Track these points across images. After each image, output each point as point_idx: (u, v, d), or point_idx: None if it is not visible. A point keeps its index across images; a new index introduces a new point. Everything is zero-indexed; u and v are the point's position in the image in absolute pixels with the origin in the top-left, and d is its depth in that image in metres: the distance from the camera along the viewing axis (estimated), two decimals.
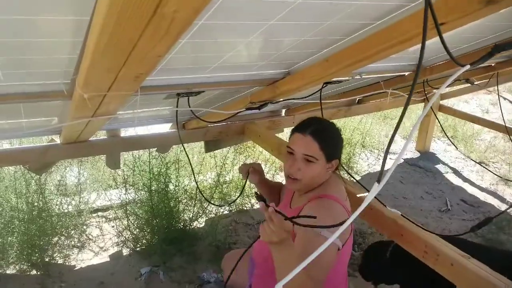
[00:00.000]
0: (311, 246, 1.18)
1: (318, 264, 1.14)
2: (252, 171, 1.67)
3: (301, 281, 1.10)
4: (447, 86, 3.25)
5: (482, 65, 2.91)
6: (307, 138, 1.32)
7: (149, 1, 0.53)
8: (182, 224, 2.69)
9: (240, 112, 2.00)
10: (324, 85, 1.97)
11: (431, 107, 3.94)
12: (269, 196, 1.73)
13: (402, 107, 0.67)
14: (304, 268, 1.10)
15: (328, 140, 1.35)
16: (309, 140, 1.32)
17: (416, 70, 0.70)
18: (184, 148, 1.97)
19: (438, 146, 4.92)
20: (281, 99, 1.99)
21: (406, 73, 2.36)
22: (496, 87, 3.58)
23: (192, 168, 2.02)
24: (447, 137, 3.73)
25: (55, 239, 2.49)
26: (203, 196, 2.23)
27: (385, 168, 0.67)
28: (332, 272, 1.34)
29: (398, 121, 0.75)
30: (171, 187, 2.66)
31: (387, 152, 0.71)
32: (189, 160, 2.03)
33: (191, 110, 1.78)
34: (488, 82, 3.59)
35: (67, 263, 2.46)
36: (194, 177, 2.08)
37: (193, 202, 2.78)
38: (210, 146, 2.73)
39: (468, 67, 0.81)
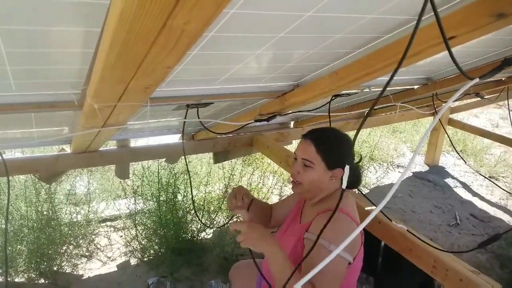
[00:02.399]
0: (318, 259, 1.18)
1: (327, 278, 1.13)
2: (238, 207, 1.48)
3: None
4: (456, 100, 3.23)
5: (492, 79, 2.90)
6: (306, 142, 1.37)
7: (160, 13, 0.54)
8: (190, 235, 2.69)
9: (248, 124, 2.01)
10: (333, 98, 1.97)
11: (440, 121, 3.91)
12: (260, 218, 1.68)
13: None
14: (312, 283, 1.12)
15: (327, 146, 1.35)
16: (307, 144, 1.36)
17: (381, 90, 0.70)
18: (186, 159, 1.99)
19: (447, 160, 4.87)
20: (290, 111, 2.00)
21: (415, 87, 2.36)
22: (506, 101, 3.55)
23: (190, 180, 2.03)
24: (456, 151, 3.70)
25: (64, 248, 2.51)
26: (198, 217, 2.22)
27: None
28: (344, 286, 1.33)
29: (357, 132, 0.76)
30: (179, 197, 2.67)
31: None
32: (188, 172, 2.04)
33: (200, 121, 1.79)
34: (498, 96, 3.56)
35: (75, 273, 2.47)
36: (191, 191, 2.08)
37: (201, 213, 2.78)
38: (219, 157, 2.74)
39: (477, 80, 0.81)
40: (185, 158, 2.08)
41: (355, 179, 1.45)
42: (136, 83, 0.87)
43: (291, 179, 1.43)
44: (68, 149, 2.09)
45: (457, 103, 4.25)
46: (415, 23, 1.04)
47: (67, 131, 1.80)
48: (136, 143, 2.38)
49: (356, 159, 1.40)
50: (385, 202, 0.74)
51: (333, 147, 1.36)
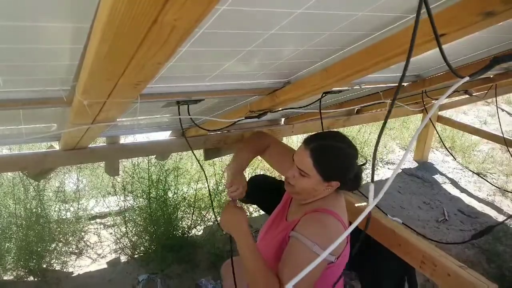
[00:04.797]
0: (296, 256, 1.20)
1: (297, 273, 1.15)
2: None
3: (268, 285, 1.16)
4: (446, 98, 3.27)
5: (481, 76, 2.94)
6: (305, 152, 1.30)
7: (150, 9, 0.53)
8: (180, 231, 2.68)
9: (239, 121, 2.01)
10: (324, 95, 1.98)
11: (430, 119, 3.95)
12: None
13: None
14: (280, 277, 1.15)
15: (325, 161, 1.30)
16: (306, 155, 1.30)
17: (397, 85, 0.71)
18: (192, 150, 1.97)
19: (436, 157, 4.94)
20: (281, 108, 2.00)
21: (405, 84, 2.38)
22: (494, 99, 3.61)
23: (205, 175, 2.02)
24: (446, 148, 3.75)
25: (53, 245, 2.48)
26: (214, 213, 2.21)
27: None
28: (326, 284, 1.34)
29: (378, 137, 0.76)
30: (170, 194, 2.66)
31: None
32: (200, 163, 2.01)
33: (190, 118, 1.78)
34: (486, 94, 3.61)
35: (64, 270, 2.44)
36: (208, 185, 2.08)
37: (192, 210, 2.77)
38: (210, 154, 2.74)
39: (467, 79, 0.82)
40: (192, 151, 2.06)
41: (356, 184, 1.41)
42: (126, 80, 0.87)
43: (286, 179, 1.40)
44: (57, 146, 2.06)
45: (446, 100, 4.30)
46: (404, 20, 1.06)
47: (56, 127, 1.78)
48: (126, 140, 2.36)
49: (361, 161, 1.39)
50: (378, 200, 0.74)
51: (332, 161, 1.31)
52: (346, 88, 1.94)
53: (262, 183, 2.42)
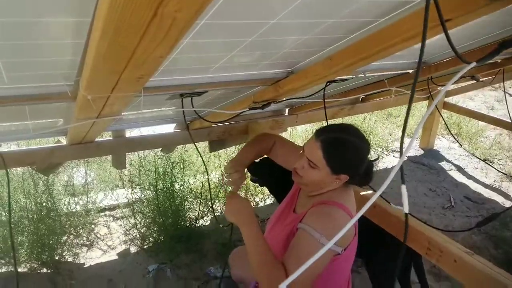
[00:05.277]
0: (302, 247, 1.20)
1: (305, 271, 1.15)
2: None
3: (273, 274, 1.15)
4: (452, 84, 3.24)
5: (488, 61, 2.90)
6: (316, 144, 1.29)
7: (150, 2, 0.53)
8: (188, 222, 2.71)
9: (243, 112, 2.01)
10: (328, 84, 1.97)
11: (436, 106, 3.92)
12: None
13: (406, 105, 0.68)
14: (285, 266, 1.15)
15: (336, 154, 1.28)
16: (316, 147, 1.28)
17: (417, 67, 0.70)
18: (196, 146, 1.98)
19: (442, 144, 4.90)
20: (284, 99, 2.00)
21: (410, 71, 2.36)
22: (501, 84, 3.56)
23: (205, 165, 2.02)
24: (452, 134, 3.72)
25: (64, 238, 2.53)
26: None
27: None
28: (335, 275, 1.35)
29: (405, 121, 0.75)
30: (177, 186, 2.68)
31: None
32: (201, 157, 2.02)
33: (194, 110, 1.79)
34: (493, 79, 3.57)
35: (76, 261, 2.50)
36: (208, 175, 2.09)
37: (199, 201, 2.79)
38: (215, 146, 2.75)
39: (474, 64, 0.80)
40: (195, 145, 2.07)
41: (367, 178, 1.39)
42: (128, 74, 0.87)
43: (294, 169, 1.40)
44: (64, 140, 2.09)
45: (452, 86, 4.25)
46: (408, 6, 1.04)
47: (62, 122, 1.79)
48: (131, 133, 2.38)
49: (374, 157, 1.36)
50: (384, 188, 0.73)
51: (342, 155, 1.29)
52: (350, 76, 1.93)
53: (273, 164, 2.38)
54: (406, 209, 0.73)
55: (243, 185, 1.55)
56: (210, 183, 3.09)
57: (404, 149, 0.72)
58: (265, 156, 1.77)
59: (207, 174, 2.02)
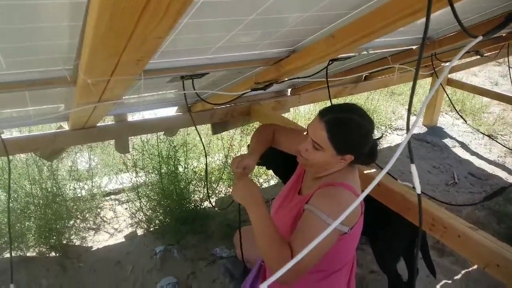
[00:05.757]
0: (309, 228, 1.21)
1: (311, 251, 1.16)
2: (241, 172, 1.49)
3: (281, 255, 1.16)
4: (458, 59, 3.18)
5: (493, 35, 2.84)
6: (320, 125, 1.27)
7: None
8: (193, 204, 2.74)
9: (245, 93, 1.99)
10: (330, 62, 1.94)
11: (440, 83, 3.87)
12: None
13: (410, 82, 0.66)
14: (291, 246, 1.16)
15: (340, 134, 1.27)
16: (321, 128, 1.26)
17: (421, 42, 0.68)
18: (196, 128, 1.98)
19: (445, 120, 4.88)
20: (286, 79, 1.98)
21: (414, 47, 2.32)
22: (505, 59, 3.51)
23: (204, 149, 2.02)
24: (456, 111, 3.69)
25: (71, 222, 2.57)
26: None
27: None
28: (341, 254, 1.36)
29: (410, 97, 0.73)
30: (180, 169, 2.69)
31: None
32: (201, 139, 2.02)
33: (196, 92, 1.78)
34: (498, 54, 3.51)
35: (84, 245, 2.54)
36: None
37: (203, 184, 2.81)
38: (217, 128, 2.74)
39: (480, 38, 0.78)
40: (195, 127, 2.06)
41: (372, 157, 1.38)
42: (128, 56, 0.86)
43: (299, 152, 1.39)
44: (66, 126, 2.09)
45: (455, 62, 4.18)
46: None
47: (63, 108, 1.79)
48: (133, 117, 2.37)
49: (377, 135, 1.35)
50: (390, 166, 0.72)
51: (347, 135, 1.27)
52: (353, 54, 1.90)
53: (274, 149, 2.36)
54: (418, 189, 0.72)
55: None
56: (214, 165, 3.10)
57: (410, 126, 0.71)
58: None
59: (206, 159, 2.02)
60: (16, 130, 2.52)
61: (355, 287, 1.58)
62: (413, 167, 0.72)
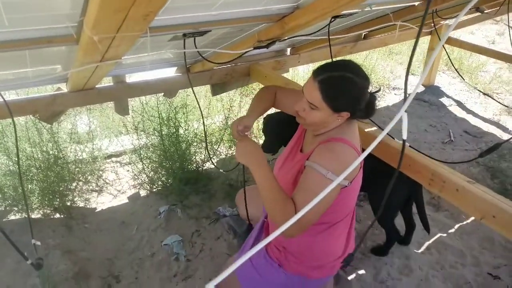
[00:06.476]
0: (310, 183, 1.25)
1: (311, 198, 1.20)
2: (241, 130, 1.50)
3: (285, 210, 1.21)
4: (456, 16, 3.13)
5: None
6: (314, 85, 1.27)
7: None
8: (195, 165, 2.77)
9: (247, 51, 1.96)
10: (332, 20, 1.91)
11: (439, 39, 3.83)
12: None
13: (408, 41, 0.66)
14: (294, 201, 1.20)
15: (334, 93, 1.27)
16: (314, 88, 1.27)
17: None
18: (193, 91, 1.96)
19: (442, 80, 4.87)
20: (289, 36, 1.95)
21: (417, 3, 2.27)
22: (502, 17, 3.46)
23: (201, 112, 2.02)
24: (455, 69, 3.68)
25: (74, 184, 2.59)
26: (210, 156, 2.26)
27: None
28: (341, 205, 1.42)
29: (410, 57, 0.73)
30: (181, 131, 2.70)
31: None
32: (197, 101, 2.02)
33: (197, 51, 1.75)
34: (498, 10, 3.45)
35: (88, 206, 2.58)
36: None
37: (204, 145, 2.83)
38: (217, 89, 2.72)
39: None
40: (192, 89, 2.05)
41: (370, 111, 1.38)
42: (136, 10, 0.84)
43: (296, 111, 1.40)
44: (64, 88, 2.06)
45: (461, 18, 4.11)
46: None
47: (60, 69, 1.76)
48: (130, 78, 2.34)
49: (375, 89, 1.35)
50: (391, 127, 0.73)
51: (341, 93, 1.27)
52: (356, 10, 1.86)
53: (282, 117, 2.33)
54: (404, 135, 0.74)
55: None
56: (214, 126, 3.11)
57: (411, 90, 0.71)
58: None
59: (203, 120, 2.02)
60: (13, 93, 2.47)
61: (354, 239, 1.66)
62: (405, 115, 0.72)
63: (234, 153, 1.33)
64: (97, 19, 0.88)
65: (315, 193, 1.06)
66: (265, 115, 2.01)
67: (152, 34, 1.29)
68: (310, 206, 0.65)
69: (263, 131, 2.25)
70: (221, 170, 1.93)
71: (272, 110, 1.91)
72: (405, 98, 0.74)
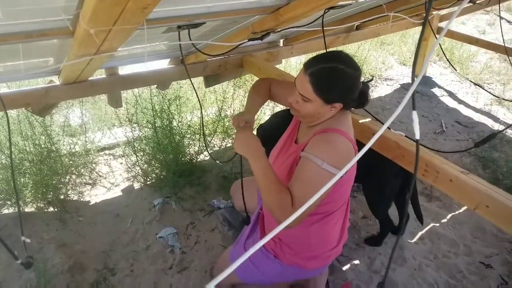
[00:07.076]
0: (306, 174, 1.26)
1: (307, 189, 1.22)
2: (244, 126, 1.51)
3: (282, 201, 1.22)
4: (449, 7, 3.14)
5: None
6: (305, 78, 1.28)
7: None
8: (188, 158, 2.77)
9: (241, 44, 1.95)
10: (326, 11, 1.90)
11: (432, 30, 3.85)
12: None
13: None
14: (291, 191, 1.22)
15: (325, 85, 1.28)
16: (306, 81, 1.28)
17: None
18: (191, 81, 1.95)
19: (434, 70, 4.91)
20: (284, 28, 1.94)
21: None
22: (493, 7, 3.48)
23: (199, 101, 2.01)
24: (447, 60, 3.70)
25: (67, 177, 2.58)
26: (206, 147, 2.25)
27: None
28: (336, 195, 1.43)
29: (415, 57, 0.74)
30: (175, 123, 2.69)
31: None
32: (196, 92, 2.01)
33: (192, 43, 1.73)
34: (490, 1, 3.47)
35: (81, 199, 2.57)
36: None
37: (197, 137, 2.83)
38: (210, 81, 2.71)
39: None
40: (190, 80, 2.04)
41: (363, 100, 1.40)
42: (134, 3, 0.83)
43: (290, 104, 1.41)
44: (56, 81, 2.03)
45: (446, 11, 4.13)
46: None
47: (52, 62, 1.73)
48: (123, 70, 2.31)
49: (368, 78, 1.35)
50: (392, 120, 0.74)
51: (332, 85, 1.28)
52: (350, 2, 1.86)
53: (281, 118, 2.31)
54: (417, 135, 0.73)
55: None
56: (207, 118, 3.10)
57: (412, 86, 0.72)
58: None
59: (201, 110, 2.02)
60: (4, 86, 2.43)
61: (347, 230, 1.69)
62: (415, 114, 0.71)
63: (230, 145, 1.33)
64: (94, 12, 0.87)
65: (311, 183, 1.06)
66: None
67: (148, 27, 1.27)
68: (311, 201, 0.66)
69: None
70: (217, 162, 1.93)
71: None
72: (413, 98, 0.73)
